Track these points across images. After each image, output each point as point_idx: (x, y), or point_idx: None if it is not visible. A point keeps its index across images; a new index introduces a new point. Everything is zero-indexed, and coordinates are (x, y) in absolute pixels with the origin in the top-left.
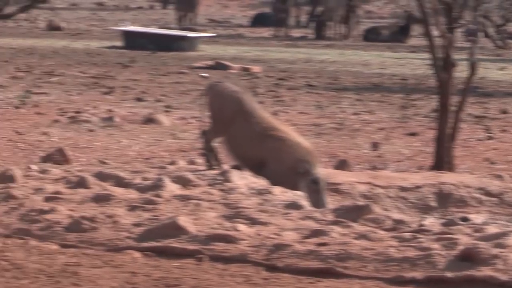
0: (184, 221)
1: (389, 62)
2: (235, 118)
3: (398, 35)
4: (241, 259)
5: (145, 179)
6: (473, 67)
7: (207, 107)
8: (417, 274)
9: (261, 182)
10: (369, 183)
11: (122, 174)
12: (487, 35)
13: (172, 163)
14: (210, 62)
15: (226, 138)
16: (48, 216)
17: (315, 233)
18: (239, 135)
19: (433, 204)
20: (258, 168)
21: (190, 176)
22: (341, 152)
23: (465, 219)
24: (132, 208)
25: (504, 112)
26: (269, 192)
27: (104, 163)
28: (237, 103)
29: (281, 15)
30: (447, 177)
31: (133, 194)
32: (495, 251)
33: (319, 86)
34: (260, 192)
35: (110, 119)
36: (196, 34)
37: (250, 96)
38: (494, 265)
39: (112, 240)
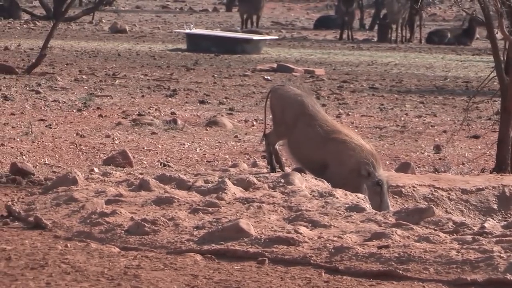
0: (246, 223)
1: (453, 64)
2: (297, 121)
3: (462, 37)
4: (303, 261)
5: (207, 181)
6: None
7: (270, 110)
8: (478, 277)
9: (323, 185)
10: (431, 185)
11: (184, 177)
12: None
13: (234, 165)
14: (273, 65)
15: (288, 141)
16: (109, 219)
17: (377, 235)
18: (301, 138)
19: (495, 206)
20: (320, 171)
21: (252, 178)
22: (403, 154)
23: None
24: (194, 210)
25: None
26: (331, 195)
27: (167, 165)
28: (299, 106)
29: (345, 18)
30: (509, 180)
31: (195, 197)
32: None
33: (383, 88)
34: (322, 195)
35: (173, 121)
36: (260, 37)
37: (312, 99)
38: None
39: (173, 242)
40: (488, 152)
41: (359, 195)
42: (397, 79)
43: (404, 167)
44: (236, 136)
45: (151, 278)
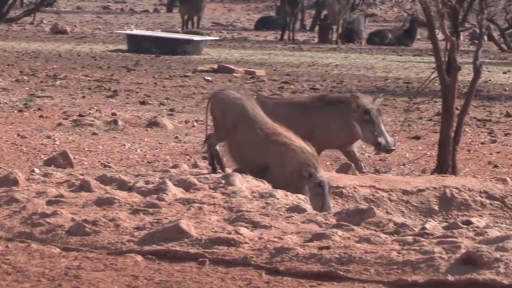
0: (187, 224)
1: (394, 65)
2: (238, 124)
3: (402, 38)
4: (243, 262)
5: (147, 182)
6: (477, 70)
7: (211, 114)
8: (419, 278)
9: (263, 186)
10: (372, 186)
11: (125, 177)
12: (491, 39)
13: (175, 166)
14: (214, 66)
15: (229, 144)
16: (50, 220)
17: (317, 236)
18: (242, 141)
19: (436, 207)
20: (261, 173)
21: (193, 179)
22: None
23: (467, 223)
24: (135, 211)
25: (508, 115)
26: (272, 196)
27: (107, 166)
28: (239, 110)
29: (288, 19)
30: (450, 181)
31: (135, 198)
32: (497, 254)
33: (323, 89)
34: (262, 196)
35: (113, 122)
36: (201, 38)
37: (252, 102)
38: (496, 268)
39: (114, 243)
40: (429, 153)
41: (300, 196)
42: (338, 80)
43: (345, 168)
44: (176, 137)
45: (92, 279)
